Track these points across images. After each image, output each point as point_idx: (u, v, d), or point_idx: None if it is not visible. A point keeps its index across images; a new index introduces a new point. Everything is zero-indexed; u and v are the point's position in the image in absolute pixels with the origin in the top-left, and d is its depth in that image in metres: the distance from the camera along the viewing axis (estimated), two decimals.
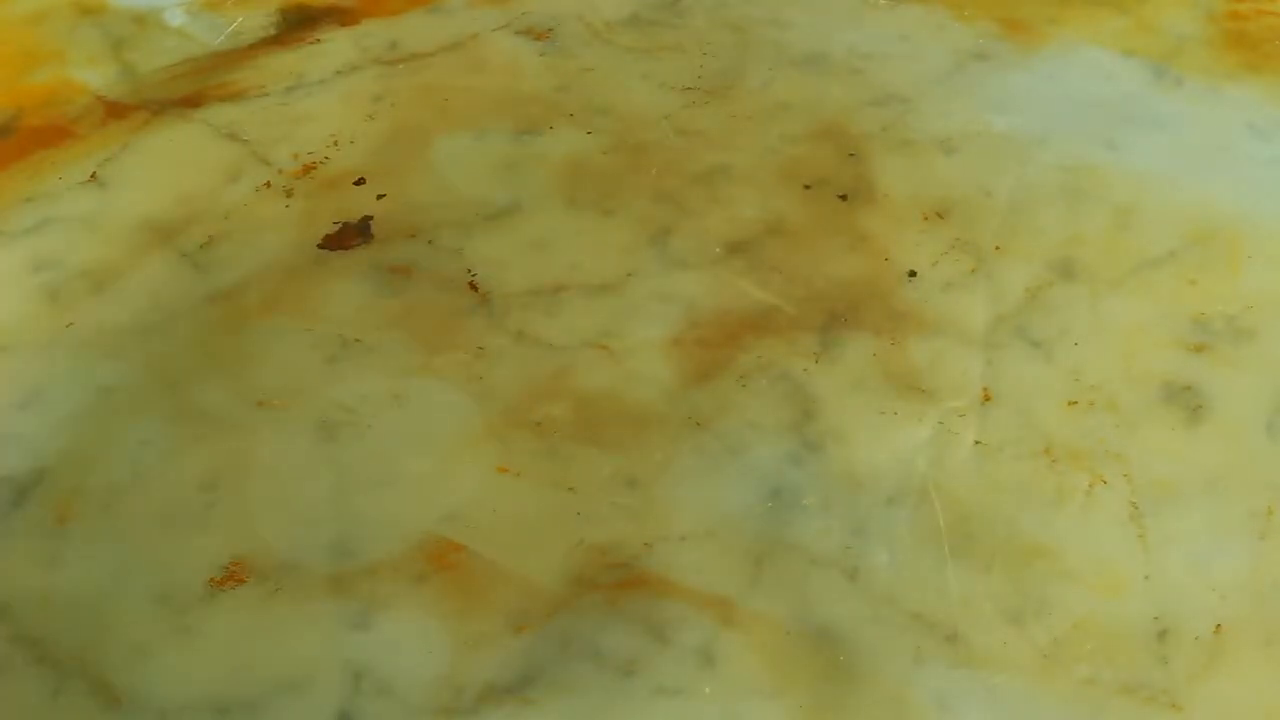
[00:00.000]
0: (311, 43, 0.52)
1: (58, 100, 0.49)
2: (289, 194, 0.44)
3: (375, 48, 0.51)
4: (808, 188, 0.42)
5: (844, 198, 0.42)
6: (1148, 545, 0.33)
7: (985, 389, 0.37)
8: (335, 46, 0.52)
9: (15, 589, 0.34)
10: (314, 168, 0.45)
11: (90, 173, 0.46)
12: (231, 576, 0.34)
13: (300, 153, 0.46)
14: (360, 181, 0.45)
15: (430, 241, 0.42)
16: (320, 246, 0.42)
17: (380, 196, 0.44)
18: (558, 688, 0.32)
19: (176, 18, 0.52)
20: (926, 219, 0.41)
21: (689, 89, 0.46)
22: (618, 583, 0.33)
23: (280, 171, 0.45)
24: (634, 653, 0.32)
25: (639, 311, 0.39)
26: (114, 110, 0.49)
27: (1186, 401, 0.36)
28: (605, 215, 0.42)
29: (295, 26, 0.50)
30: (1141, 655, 0.32)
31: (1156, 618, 0.32)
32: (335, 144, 0.46)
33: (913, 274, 0.40)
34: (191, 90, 0.49)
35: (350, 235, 0.43)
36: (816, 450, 0.36)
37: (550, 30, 0.48)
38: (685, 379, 0.38)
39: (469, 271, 0.40)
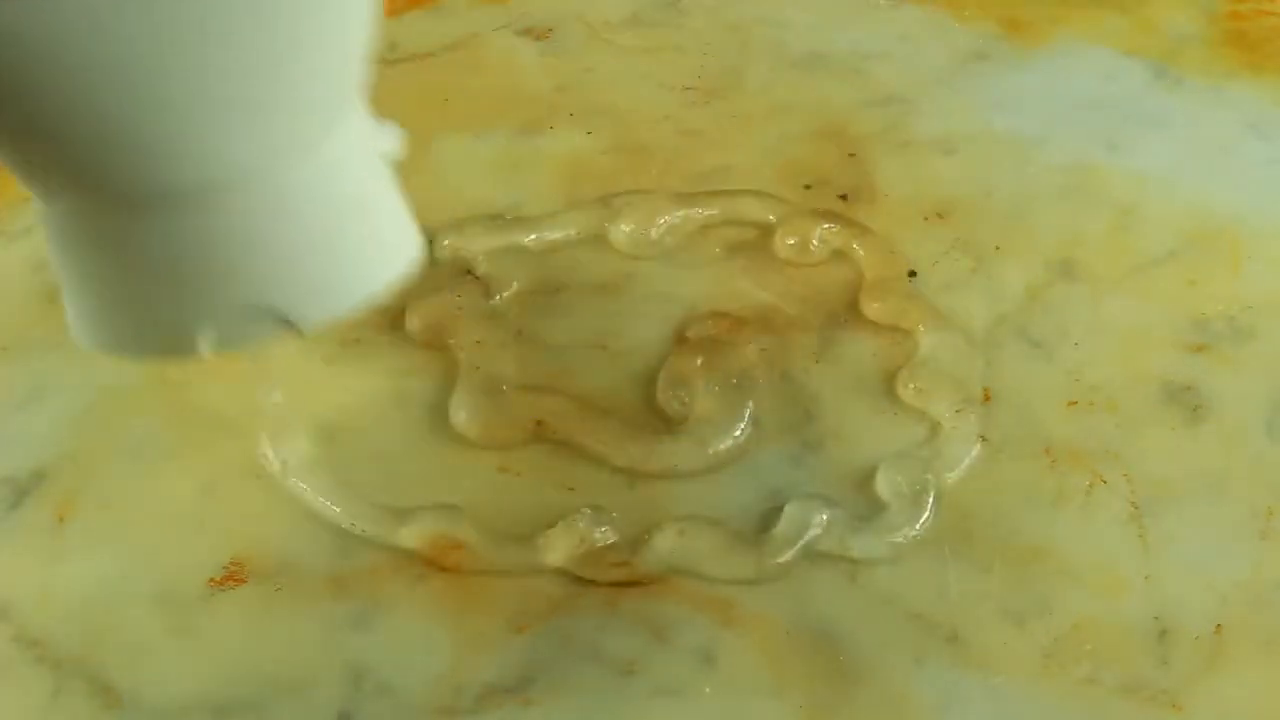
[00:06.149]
0: None
1: None
2: None
3: (375, 48, 0.51)
4: (808, 188, 0.42)
5: (844, 198, 0.42)
6: (1148, 545, 0.33)
7: (985, 389, 0.37)
8: None
9: (15, 589, 0.34)
10: None
11: None
12: (231, 576, 0.34)
13: None
14: None
15: (430, 241, 0.42)
16: None
17: None
18: (558, 688, 0.32)
19: None
20: (926, 219, 0.41)
21: (689, 89, 0.46)
22: (618, 583, 0.33)
23: None
24: (634, 653, 0.32)
25: (639, 311, 0.39)
26: None
27: (1186, 401, 0.36)
28: None
29: None
30: (1141, 655, 0.32)
31: (1156, 618, 0.32)
32: None
33: (913, 274, 0.40)
34: None
35: None
36: (816, 450, 0.36)
37: (550, 30, 0.48)
38: None
39: (469, 272, 0.40)
